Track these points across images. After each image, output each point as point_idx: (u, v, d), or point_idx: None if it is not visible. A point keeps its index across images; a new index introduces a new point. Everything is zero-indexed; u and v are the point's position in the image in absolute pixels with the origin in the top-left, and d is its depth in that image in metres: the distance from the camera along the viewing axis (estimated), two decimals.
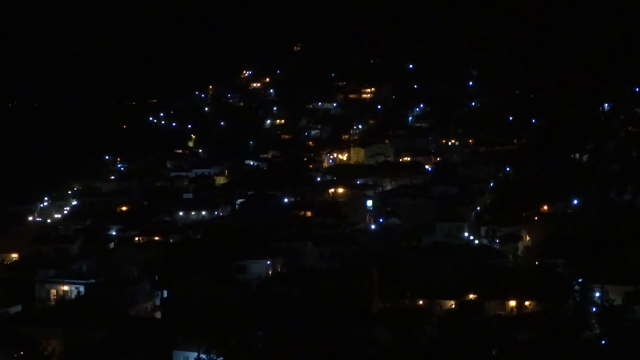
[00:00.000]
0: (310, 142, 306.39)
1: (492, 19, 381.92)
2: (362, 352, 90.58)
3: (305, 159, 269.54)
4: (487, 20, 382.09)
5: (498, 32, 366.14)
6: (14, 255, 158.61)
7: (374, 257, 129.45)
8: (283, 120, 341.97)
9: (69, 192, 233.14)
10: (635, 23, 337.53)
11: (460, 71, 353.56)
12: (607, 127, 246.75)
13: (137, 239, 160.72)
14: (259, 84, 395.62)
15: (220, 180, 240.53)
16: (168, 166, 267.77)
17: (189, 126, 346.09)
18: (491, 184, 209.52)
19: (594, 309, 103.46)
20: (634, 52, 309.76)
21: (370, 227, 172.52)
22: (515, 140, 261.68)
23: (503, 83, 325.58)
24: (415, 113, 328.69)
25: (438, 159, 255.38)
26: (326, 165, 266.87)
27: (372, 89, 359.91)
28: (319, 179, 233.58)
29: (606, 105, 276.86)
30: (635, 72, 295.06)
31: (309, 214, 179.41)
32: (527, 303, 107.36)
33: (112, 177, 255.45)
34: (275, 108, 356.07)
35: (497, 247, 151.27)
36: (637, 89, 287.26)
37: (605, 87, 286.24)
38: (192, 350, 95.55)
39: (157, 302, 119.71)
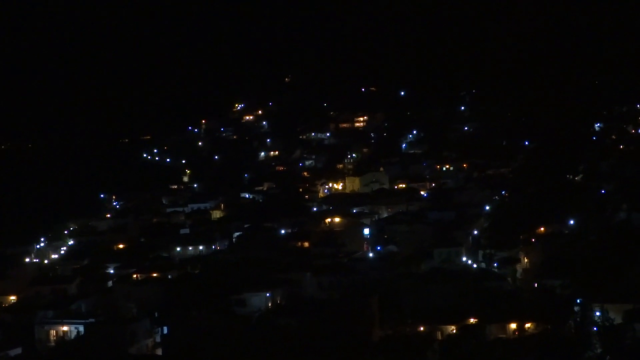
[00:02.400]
0: (305, 173, 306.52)
1: (482, 42, 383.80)
2: None
3: (301, 189, 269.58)
4: (477, 44, 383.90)
5: (488, 55, 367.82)
6: (12, 298, 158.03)
7: (373, 285, 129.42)
8: (277, 152, 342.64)
9: (65, 232, 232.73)
10: (623, 43, 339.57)
11: (451, 96, 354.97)
12: (599, 147, 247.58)
13: (135, 276, 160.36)
14: (251, 117, 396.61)
15: (217, 214, 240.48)
16: (164, 202, 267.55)
17: (184, 161, 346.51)
18: (487, 208, 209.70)
19: (595, 329, 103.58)
20: (623, 72, 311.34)
21: (368, 255, 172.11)
22: (509, 163, 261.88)
23: (494, 106, 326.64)
24: (408, 140, 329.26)
25: (433, 184, 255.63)
26: (322, 195, 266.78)
27: (365, 117, 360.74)
28: (315, 209, 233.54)
29: (597, 125, 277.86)
30: (625, 91, 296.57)
31: (306, 244, 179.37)
32: (527, 325, 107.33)
33: (108, 215, 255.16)
34: (268, 140, 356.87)
35: (496, 270, 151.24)
36: (627, 108, 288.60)
37: (596, 107, 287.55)
38: None
39: (158, 339, 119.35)
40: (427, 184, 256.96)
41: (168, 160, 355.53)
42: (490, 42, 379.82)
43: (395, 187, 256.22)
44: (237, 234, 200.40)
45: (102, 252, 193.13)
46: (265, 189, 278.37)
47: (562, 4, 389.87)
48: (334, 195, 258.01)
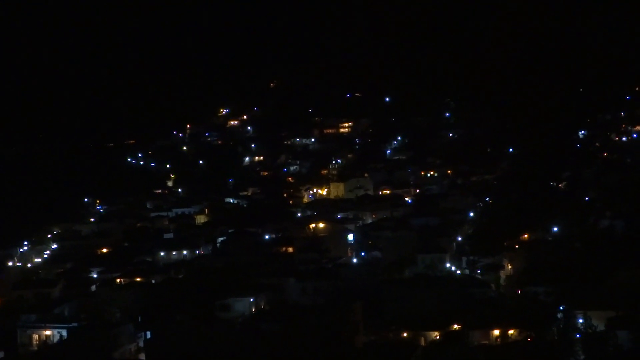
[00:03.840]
0: (290, 178, 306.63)
1: (467, 50, 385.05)
2: None
3: (285, 195, 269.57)
4: (463, 52, 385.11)
5: (473, 63, 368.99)
6: None
7: (357, 290, 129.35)
8: (262, 157, 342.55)
9: (49, 236, 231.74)
10: (608, 52, 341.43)
11: (436, 102, 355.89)
12: (583, 154, 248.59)
13: (118, 280, 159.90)
14: (236, 122, 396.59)
15: (201, 219, 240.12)
16: (148, 207, 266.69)
17: (168, 166, 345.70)
18: (471, 214, 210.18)
19: (578, 336, 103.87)
20: (607, 80, 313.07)
21: (352, 261, 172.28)
22: (493, 170, 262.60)
23: (479, 113, 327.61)
24: (393, 146, 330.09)
25: (417, 191, 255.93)
26: (306, 200, 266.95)
27: (350, 123, 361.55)
28: (299, 214, 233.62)
29: (581, 132, 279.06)
30: (608, 99, 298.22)
31: (290, 249, 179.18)
32: (511, 332, 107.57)
33: (92, 220, 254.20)
34: (253, 145, 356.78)
35: (479, 276, 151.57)
36: (610, 116, 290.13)
37: (580, 115, 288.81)
38: None
39: (141, 344, 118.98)
40: (412, 190, 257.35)
41: (152, 164, 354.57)
42: (476, 49, 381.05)
43: (380, 193, 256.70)
44: (221, 239, 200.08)
45: (86, 256, 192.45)
46: (249, 194, 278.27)
47: (547, 12, 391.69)
48: (318, 201, 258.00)
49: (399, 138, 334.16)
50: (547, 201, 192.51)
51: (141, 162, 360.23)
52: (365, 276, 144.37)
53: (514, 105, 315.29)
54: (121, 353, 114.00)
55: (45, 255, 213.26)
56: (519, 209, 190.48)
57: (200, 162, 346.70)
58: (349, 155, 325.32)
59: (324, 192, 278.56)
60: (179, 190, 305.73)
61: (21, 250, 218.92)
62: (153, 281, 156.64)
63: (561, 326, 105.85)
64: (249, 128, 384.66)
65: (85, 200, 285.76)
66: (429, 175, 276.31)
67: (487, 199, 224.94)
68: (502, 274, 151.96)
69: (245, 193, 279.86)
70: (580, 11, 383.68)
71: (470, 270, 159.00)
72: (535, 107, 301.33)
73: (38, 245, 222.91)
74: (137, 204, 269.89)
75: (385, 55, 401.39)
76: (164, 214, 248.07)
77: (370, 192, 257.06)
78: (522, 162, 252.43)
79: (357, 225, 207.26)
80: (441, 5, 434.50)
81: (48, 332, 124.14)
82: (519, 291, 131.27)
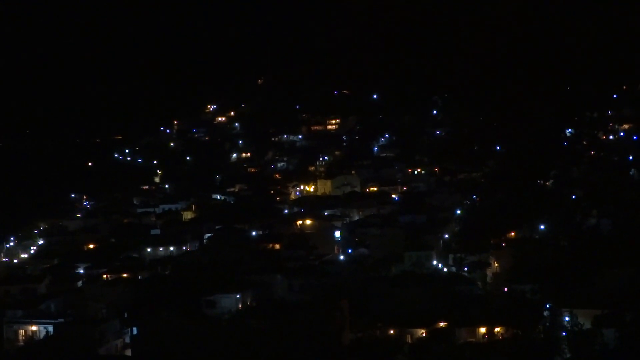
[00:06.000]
0: (277, 175, 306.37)
1: (454, 47, 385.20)
2: None
3: (272, 191, 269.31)
4: (450, 49, 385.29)
5: (461, 60, 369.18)
6: None
7: (344, 288, 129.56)
8: (249, 154, 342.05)
9: (35, 231, 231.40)
10: (595, 49, 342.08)
11: (424, 100, 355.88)
12: (570, 152, 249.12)
13: (105, 276, 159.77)
14: (224, 118, 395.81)
15: (188, 215, 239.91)
16: (135, 202, 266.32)
17: (155, 162, 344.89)
18: (458, 212, 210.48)
19: (564, 334, 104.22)
20: (594, 78, 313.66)
21: (339, 258, 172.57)
22: (480, 168, 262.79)
23: (466, 111, 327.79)
24: (380, 143, 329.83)
25: (404, 188, 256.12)
26: (293, 197, 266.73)
27: (337, 120, 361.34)
28: (286, 211, 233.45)
29: (568, 131, 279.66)
30: (595, 98, 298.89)
31: (277, 246, 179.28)
32: (497, 329, 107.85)
33: (79, 215, 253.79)
34: (240, 142, 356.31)
35: (466, 274, 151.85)
36: (597, 114, 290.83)
37: (567, 113, 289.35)
38: None
39: (127, 340, 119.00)
40: (399, 187, 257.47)
41: (139, 160, 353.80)
42: (463, 46, 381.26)
43: (367, 190, 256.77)
44: (207, 235, 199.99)
45: (72, 252, 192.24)
46: (236, 190, 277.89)
47: (535, 10, 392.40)
48: (305, 198, 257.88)
49: (387, 135, 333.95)
50: (533, 199, 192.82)
51: (128, 158, 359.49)
52: (352, 273, 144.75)
53: (501, 103, 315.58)
54: (107, 349, 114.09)
55: (32, 251, 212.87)
56: (505, 207, 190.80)
57: (188, 158, 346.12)
58: (337, 152, 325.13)
59: (311, 189, 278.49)
60: (166, 186, 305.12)
61: (7, 245, 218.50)
62: (140, 277, 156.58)
63: (547, 324, 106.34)
64: (236, 124, 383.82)
65: (72, 196, 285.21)
66: (416, 172, 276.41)
67: (474, 196, 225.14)
68: (489, 272, 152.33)
69: (232, 189, 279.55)
70: (569, 9, 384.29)
71: (456, 267, 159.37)
72: (522, 105, 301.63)
73: (24, 241, 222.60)
74: (124, 200, 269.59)
75: (373, 53, 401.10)
76: (151, 210, 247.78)
77: (358, 189, 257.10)
78: (509, 160, 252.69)
79: (344, 222, 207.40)
80: (428, 3, 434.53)
81: (34, 328, 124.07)
82: (506, 289, 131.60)
